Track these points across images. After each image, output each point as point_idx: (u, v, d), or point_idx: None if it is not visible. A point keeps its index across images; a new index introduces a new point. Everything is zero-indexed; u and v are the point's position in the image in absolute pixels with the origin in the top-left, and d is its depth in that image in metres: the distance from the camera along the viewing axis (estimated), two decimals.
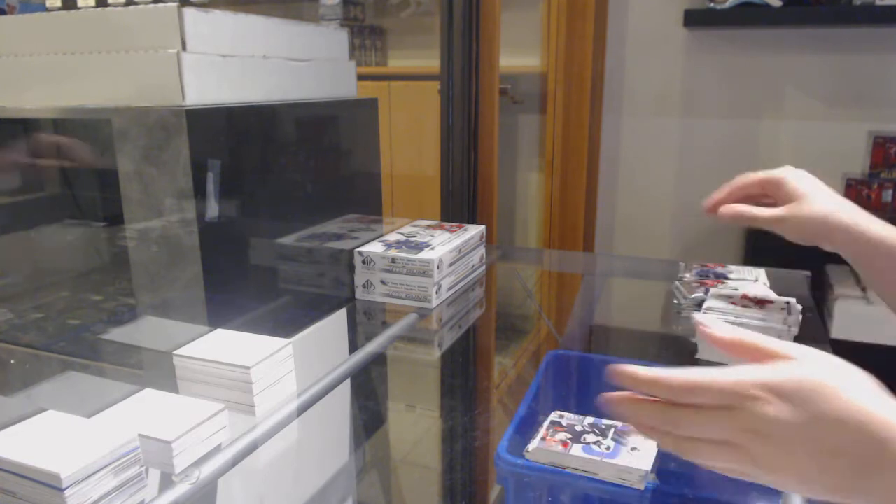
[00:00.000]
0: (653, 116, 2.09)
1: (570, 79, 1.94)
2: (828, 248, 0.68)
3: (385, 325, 0.96)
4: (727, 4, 1.79)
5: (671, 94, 2.05)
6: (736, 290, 0.95)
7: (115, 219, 1.02)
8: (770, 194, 0.72)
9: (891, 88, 1.84)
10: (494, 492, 0.66)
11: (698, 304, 0.92)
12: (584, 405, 0.80)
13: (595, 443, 0.62)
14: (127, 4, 0.77)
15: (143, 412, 0.59)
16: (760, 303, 0.88)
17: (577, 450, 0.61)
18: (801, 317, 0.84)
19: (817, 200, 0.66)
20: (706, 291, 0.95)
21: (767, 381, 0.39)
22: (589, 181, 2.04)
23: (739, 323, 0.83)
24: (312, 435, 0.73)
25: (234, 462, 0.60)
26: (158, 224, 0.74)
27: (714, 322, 0.46)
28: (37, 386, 0.78)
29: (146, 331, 0.79)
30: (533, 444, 0.62)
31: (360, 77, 1.09)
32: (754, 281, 1.02)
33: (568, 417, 0.68)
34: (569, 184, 2.01)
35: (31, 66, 0.80)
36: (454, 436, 0.74)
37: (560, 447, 0.61)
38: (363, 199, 1.08)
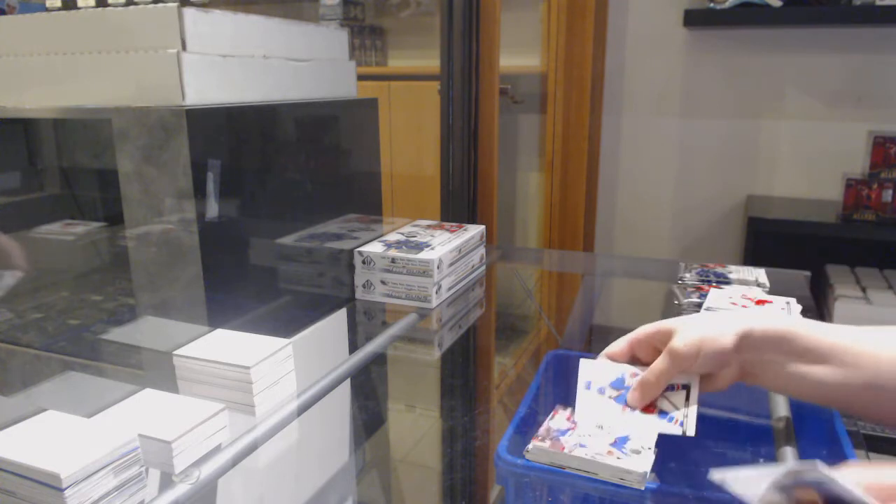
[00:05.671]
0: (653, 116, 2.09)
1: (570, 79, 1.94)
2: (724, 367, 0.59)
3: (385, 325, 0.96)
4: (727, 4, 1.79)
5: (671, 94, 2.05)
6: (736, 290, 0.95)
7: (115, 219, 1.02)
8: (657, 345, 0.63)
9: (891, 88, 1.84)
10: (494, 492, 0.66)
11: (698, 305, 0.92)
12: None
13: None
14: (127, 4, 0.78)
15: (143, 412, 0.59)
16: (760, 303, 0.88)
17: (577, 450, 0.61)
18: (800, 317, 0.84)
19: (695, 324, 0.59)
20: (706, 292, 0.95)
21: None
22: (589, 181, 2.04)
23: None
24: (312, 435, 0.73)
25: (234, 462, 0.60)
26: (158, 224, 0.74)
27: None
28: (37, 386, 0.78)
29: (146, 331, 0.79)
30: (533, 444, 0.62)
31: (360, 77, 1.09)
32: (754, 281, 1.02)
33: None
34: (569, 184, 2.01)
35: (31, 66, 0.80)
36: (454, 436, 0.74)
37: (560, 447, 0.61)
38: (363, 199, 1.08)
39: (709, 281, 1.04)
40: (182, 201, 0.72)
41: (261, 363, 0.66)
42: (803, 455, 0.62)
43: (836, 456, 0.64)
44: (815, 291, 1.76)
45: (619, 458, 0.58)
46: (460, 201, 1.48)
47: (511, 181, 2.31)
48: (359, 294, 1.02)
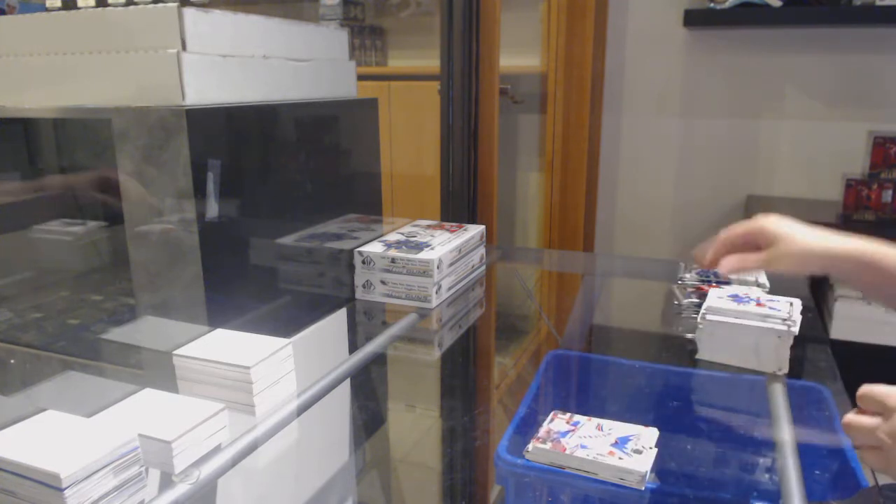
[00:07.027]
0: (653, 116, 2.09)
1: (570, 79, 1.94)
2: (819, 273, 0.74)
3: (385, 325, 0.96)
4: (727, 4, 1.79)
5: (671, 94, 2.05)
6: (736, 290, 0.95)
7: (114, 219, 1.02)
8: (752, 242, 0.76)
9: (891, 88, 1.84)
10: (494, 492, 0.66)
11: (698, 305, 0.92)
12: (584, 405, 0.80)
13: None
14: (127, 4, 0.77)
15: (143, 412, 0.59)
16: (760, 303, 0.88)
17: (577, 450, 0.61)
18: (801, 317, 0.84)
19: (794, 238, 0.72)
20: (706, 292, 0.95)
21: None
22: (589, 181, 2.04)
23: (739, 323, 0.83)
24: (312, 435, 0.73)
25: (234, 462, 0.60)
26: (158, 224, 0.74)
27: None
28: (37, 386, 0.78)
29: (146, 331, 0.79)
30: (533, 444, 0.62)
31: (360, 77, 1.09)
32: (754, 281, 1.02)
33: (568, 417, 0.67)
34: (569, 184, 2.01)
35: (31, 66, 0.80)
36: (454, 436, 0.74)
37: (561, 448, 0.61)
38: (363, 199, 1.08)
39: (709, 281, 1.04)
40: (182, 201, 0.72)
41: (261, 363, 0.66)
42: (804, 455, 0.62)
43: (835, 455, 0.64)
44: (815, 291, 1.76)
45: (620, 458, 0.58)
46: (460, 201, 1.48)
47: (511, 181, 2.30)
48: (359, 294, 1.02)
